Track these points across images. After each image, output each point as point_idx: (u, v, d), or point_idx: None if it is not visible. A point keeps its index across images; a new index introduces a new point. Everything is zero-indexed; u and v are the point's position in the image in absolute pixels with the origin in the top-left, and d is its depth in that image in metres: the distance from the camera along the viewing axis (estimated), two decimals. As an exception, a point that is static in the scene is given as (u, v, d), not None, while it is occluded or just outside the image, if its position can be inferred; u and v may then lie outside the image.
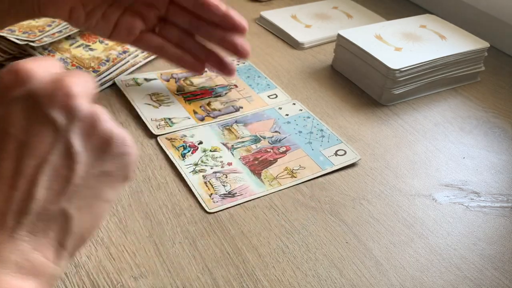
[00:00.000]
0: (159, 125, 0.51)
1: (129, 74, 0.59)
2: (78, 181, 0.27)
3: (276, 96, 0.57)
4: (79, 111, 0.28)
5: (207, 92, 0.57)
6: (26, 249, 0.26)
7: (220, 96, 0.56)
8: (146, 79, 0.58)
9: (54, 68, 0.30)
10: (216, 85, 0.58)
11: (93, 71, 0.57)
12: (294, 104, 0.56)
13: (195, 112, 0.53)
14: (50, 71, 0.29)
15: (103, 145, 0.28)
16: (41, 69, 0.28)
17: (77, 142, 0.27)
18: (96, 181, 0.28)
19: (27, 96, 0.27)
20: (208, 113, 0.53)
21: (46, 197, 0.26)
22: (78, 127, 0.28)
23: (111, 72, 0.58)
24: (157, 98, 0.55)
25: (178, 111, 0.53)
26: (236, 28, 0.51)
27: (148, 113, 0.52)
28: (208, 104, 0.55)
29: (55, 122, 0.27)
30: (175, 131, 0.50)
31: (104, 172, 0.29)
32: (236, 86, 0.58)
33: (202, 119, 0.52)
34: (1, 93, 0.28)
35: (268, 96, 0.57)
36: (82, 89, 0.29)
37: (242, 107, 0.55)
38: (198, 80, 0.59)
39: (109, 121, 0.29)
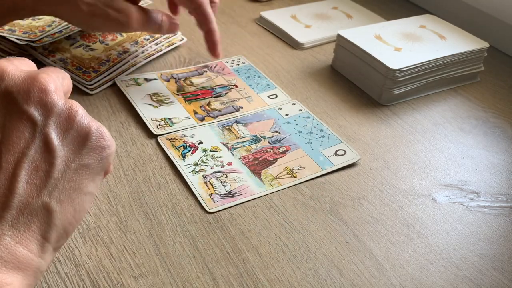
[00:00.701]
0: (159, 125, 0.51)
1: (129, 74, 0.59)
2: (58, 174, 0.28)
3: (276, 96, 0.57)
4: (56, 106, 0.29)
5: (207, 92, 0.57)
6: (9, 244, 0.26)
7: (220, 96, 0.56)
8: (146, 79, 0.58)
9: (28, 66, 0.31)
10: (216, 85, 0.58)
11: (93, 71, 0.57)
12: (294, 104, 0.56)
13: (195, 112, 0.53)
14: (24, 69, 0.30)
15: (81, 139, 0.29)
16: (15, 67, 0.29)
17: (55, 137, 0.28)
18: (75, 174, 0.29)
19: (3, 93, 0.28)
20: (208, 113, 0.53)
21: (27, 191, 0.27)
22: (55, 122, 0.29)
23: (111, 72, 0.58)
24: (157, 98, 0.55)
25: (178, 111, 0.53)
26: (210, 50, 0.56)
27: (148, 113, 0.52)
28: (208, 104, 0.55)
29: (32, 117, 0.28)
30: (175, 131, 0.50)
31: (83, 165, 0.29)
32: (236, 86, 0.58)
33: (202, 119, 0.52)
34: None
35: (268, 96, 0.57)
36: (58, 84, 0.30)
37: (242, 107, 0.55)
38: (198, 80, 0.59)
39: (86, 115, 0.30)
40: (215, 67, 0.61)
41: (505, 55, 0.69)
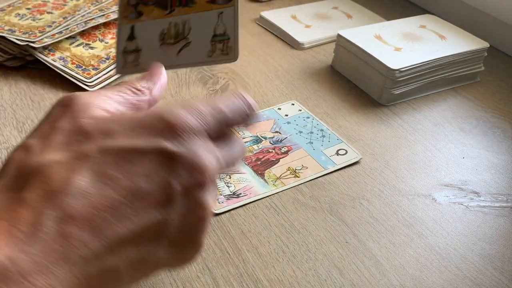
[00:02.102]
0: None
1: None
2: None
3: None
4: (207, 186, 0.25)
5: (207, 92, 0.57)
6: None
7: (220, 96, 0.56)
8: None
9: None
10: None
11: (93, 69, 0.57)
12: (293, 104, 0.56)
13: (195, 112, 0.53)
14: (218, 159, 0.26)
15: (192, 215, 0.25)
16: (215, 159, 0.26)
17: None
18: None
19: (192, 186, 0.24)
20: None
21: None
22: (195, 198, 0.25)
23: (111, 70, 0.58)
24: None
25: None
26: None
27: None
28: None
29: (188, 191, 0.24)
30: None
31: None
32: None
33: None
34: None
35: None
36: (215, 160, 0.26)
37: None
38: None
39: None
40: None
41: (505, 55, 0.69)
